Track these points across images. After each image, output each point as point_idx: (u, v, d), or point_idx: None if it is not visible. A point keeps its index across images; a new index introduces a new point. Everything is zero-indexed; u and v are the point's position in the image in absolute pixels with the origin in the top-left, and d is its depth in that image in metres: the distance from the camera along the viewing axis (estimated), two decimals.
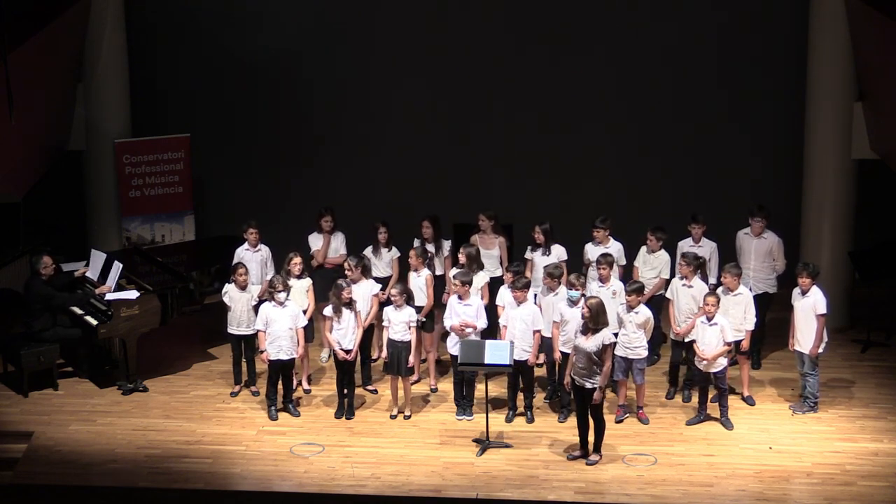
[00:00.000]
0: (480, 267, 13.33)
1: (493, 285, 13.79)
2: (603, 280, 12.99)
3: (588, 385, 11.66)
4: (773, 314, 14.11)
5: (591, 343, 11.60)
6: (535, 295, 12.93)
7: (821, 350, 12.64)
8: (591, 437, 11.92)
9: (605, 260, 13.04)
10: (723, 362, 12.46)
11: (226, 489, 11.66)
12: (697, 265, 13.09)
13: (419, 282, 13.35)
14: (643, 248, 13.72)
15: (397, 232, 14.19)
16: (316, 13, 16.19)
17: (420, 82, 16.17)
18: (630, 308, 12.50)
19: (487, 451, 12.07)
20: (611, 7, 15.78)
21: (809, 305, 12.56)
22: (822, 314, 12.54)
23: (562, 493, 11.40)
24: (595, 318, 11.58)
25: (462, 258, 13.21)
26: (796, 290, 12.73)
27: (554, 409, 12.97)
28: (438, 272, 13.80)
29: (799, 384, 13.01)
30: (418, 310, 13.08)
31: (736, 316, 12.74)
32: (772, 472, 11.71)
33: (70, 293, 13.81)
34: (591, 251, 13.73)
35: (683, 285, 13.00)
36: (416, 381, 13.42)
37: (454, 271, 13.18)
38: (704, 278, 13.19)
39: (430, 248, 13.83)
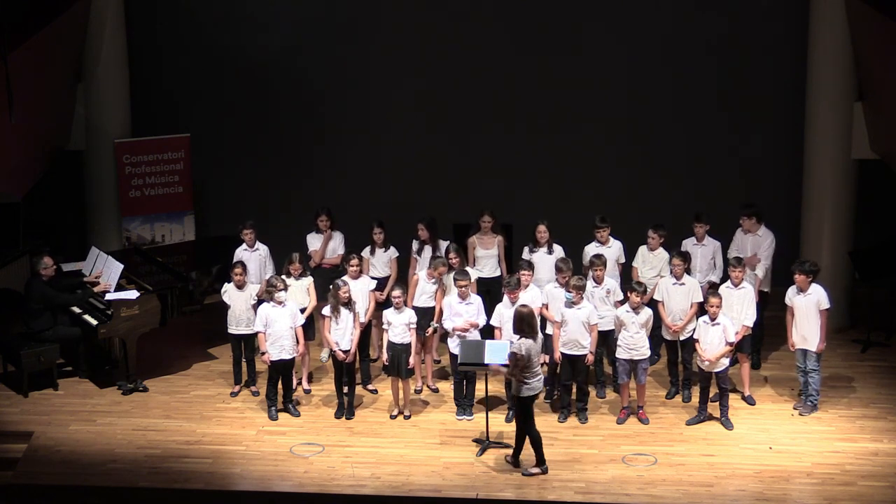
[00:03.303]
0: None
1: (493, 284, 13.83)
2: (597, 280, 13.01)
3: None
4: (771, 313, 14.11)
5: (513, 347, 11.64)
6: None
7: (824, 344, 12.67)
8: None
9: (600, 260, 13.07)
10: (725, 362, 12.46)
11: (226, 489, 11.66)
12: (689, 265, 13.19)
13: (432, 287, 13.34)
14: (642, 248, 13.72)
15: (398, 232, 14.20)
16: (316, 14, 16.19)
17: (420, 82, 16.16)
18: (633, 309, 12.51)
19: (487, 451, 12.06)
20: (611, 7, 15.77)
21: (812, 302, 12.56)
22: (826, 308, 12.56)
23: (562, 493, 11.40)
24: (517, 326, 11.57)
25: (454, 261, 13.22)
26: (792, 290, 12.72)
27: (554, 409, 12.98)
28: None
29: (798, 383, 13.01)
30: (424, 312, 13.13)
31: (739, 312, 12.76)
32: (772, 472, 11.71)
33: (70, 293, 13.80)
34: (592, 251, 13.73)
35: (674, 284, 13.01)
36: (419, 391, 13.43)
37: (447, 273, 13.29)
38: (689, 271, 13.22)
39: (428, 249, 13.83)
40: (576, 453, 12.08)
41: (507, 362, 11.67)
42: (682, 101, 15.85)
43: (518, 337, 11.59)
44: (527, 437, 11.73)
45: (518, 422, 11.81)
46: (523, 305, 11.91)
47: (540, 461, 11.71)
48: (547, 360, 12.85)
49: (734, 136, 15.90)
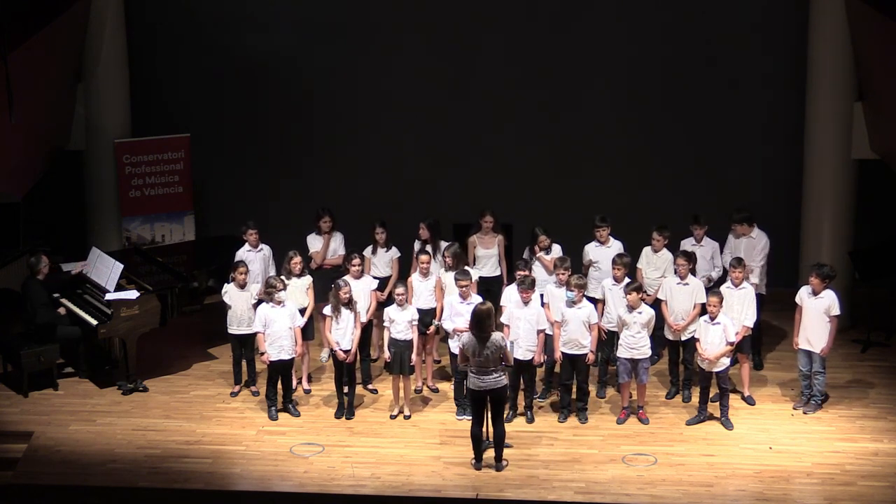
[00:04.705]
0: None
1: (493, 284, 13.84)
2: (617, 279, 13.00)
3: None
4: (769, 314, 14.12)
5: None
6: (542, 295, 12.94)
7: (829, 349, 12.66)
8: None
9: (621, 261, 13.06)
10: (725, 362, 12.46)
11: (226, 489, 11.66)
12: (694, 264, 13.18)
13: (428, 285, 13.34)
14: (646, 249, 13.72)
15: (399, 232, 14.20)
16: (316, 13, 16.19)
17: (420, 82, 16.17)
18: (632, 308, 12.52)
19: (487, 451, 12.06)
20: (611, 7, 15.77)
21: (823, 307, 12.53)
22: (836, 315, 12.55)
23: (562, 493, 11.40)
24: (475, 327, 11.61)
25: (449, 260, 13.23)
26: (805, 290, 12.70)
27: (554, 409, 12.98)
28: (436, 273, 13.78)
29: (799, 384, 13.01)
30: (424, 313, 13.14)
31: (739, 312, 12.76)
32: (772, 472, 11.71)
33: (70, 293, 13.88)
34: (593, 251, 13.75)
35: (678, 283, 13.01)
36: (419, 391, 13.43)
37: (444, 272, 13.30)
38: (693, 272, 13.21)
39: (429, 249, 13.83)
40: (576, 453, 12.08)
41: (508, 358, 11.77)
42: (682, 101, 15.85)
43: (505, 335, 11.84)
44: (504, 434, 11.82)
45: (492, 420, 11.84)
46: (482, 303, 11.94)
47: (476, 458, 11.84)
48: (544, 361, 12.88)
49: (734, 136, 15.89)
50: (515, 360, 12.23)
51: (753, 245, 13.63)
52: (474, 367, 11.61)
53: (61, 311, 13.67)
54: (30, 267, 13.71)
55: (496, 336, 11.66)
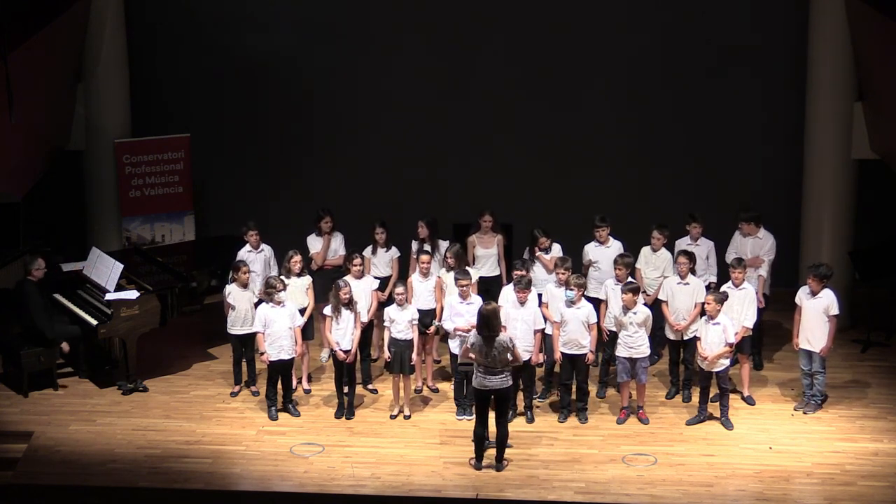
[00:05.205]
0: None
1: (493, 284, 13.84)
2: (620, 280, 12.99)
3: None
4: (771, 315, 14.12)
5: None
6: (540, 295, 12.93)
7: (829, 349, 12.66)
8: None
9: (623, 261, 13.05)
10: (725, 362, 12.46)
11: (226, 489, 11.66)
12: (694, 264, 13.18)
13: (428, 285, 13.34)
14: (645, 249, 13.72)
15: (399, 232, 14.20)
16: (316, 13, 16.19)
17: (420, 83, 16.17)
18: (627, 309, 12.51)
19: (487, 451, 12.06)
20: (611, 7, 15.77)
21: (822, 306, 12.54)
22: (835, 315, 12.55)
23: (562, 493, 11.40)
24: (483, 327, 11.60)
25: (450, 260, 13.23)
26: (804, 290, 12.71)
27: (554, 409, 12.98)
28: (436, 273, 13.79)
29: (800, 384, 13.01)
30: (424, 313, 13.13)
31: (739, 312, 12.75)
32: (772, 472, 11.72)
33: (73, 291, 13.89)
34: (592, 251, 13.75)
35: (679, 283, 13.01)
36: (419, 390, 13.43)
37: (444, 272, 13.29)
38: (693, 271, 13.21)
39: (427, 248, 13.84)
40: (576, 453, 12.09)
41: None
42: (682, 101, 15.86)
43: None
44: (507, 434, 11.82)
45: (495, 420, 11.84)
46: (487, 303, 11.93)
47: (476, 458, 11.84)
48: (542, 361, 12.87)
49: (734, 136, 15.90)
50: None
51: (760, 246, 13.64)
52: (481, 366, 11.61)
53: (63, 346, 13.57)
54: (24, 267, 13.71)
55: (503, 336, 11.66)
